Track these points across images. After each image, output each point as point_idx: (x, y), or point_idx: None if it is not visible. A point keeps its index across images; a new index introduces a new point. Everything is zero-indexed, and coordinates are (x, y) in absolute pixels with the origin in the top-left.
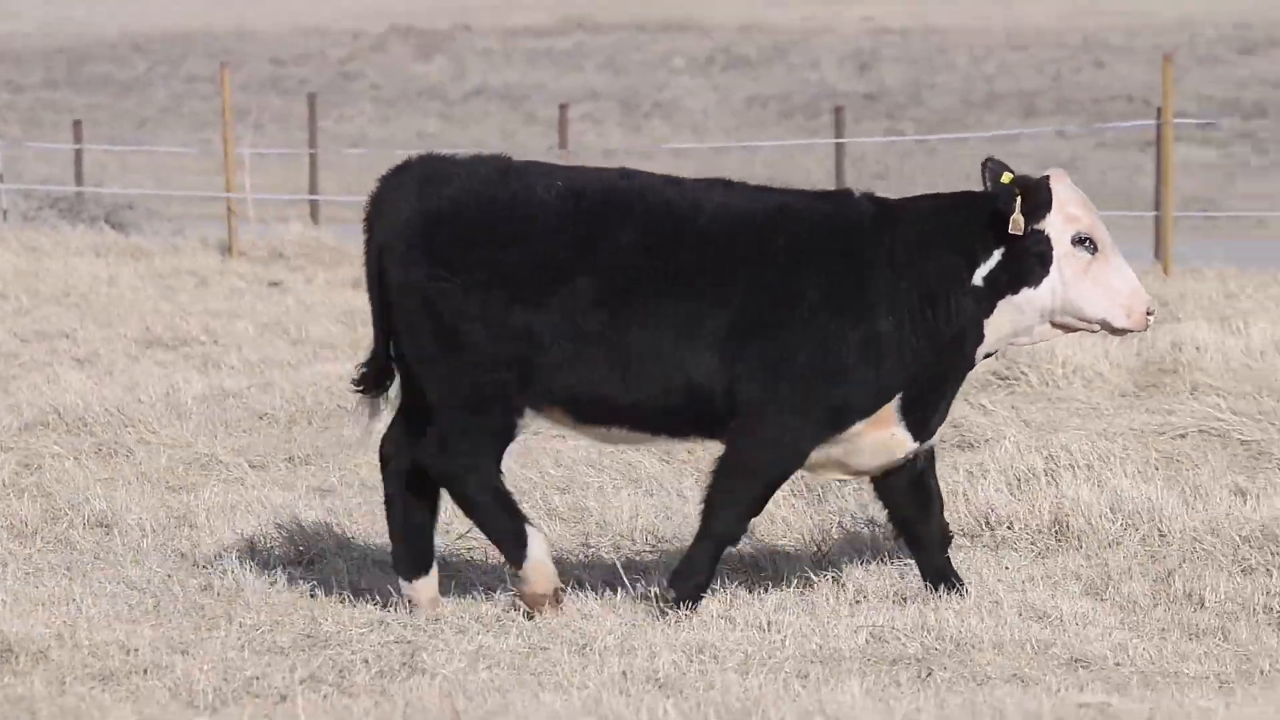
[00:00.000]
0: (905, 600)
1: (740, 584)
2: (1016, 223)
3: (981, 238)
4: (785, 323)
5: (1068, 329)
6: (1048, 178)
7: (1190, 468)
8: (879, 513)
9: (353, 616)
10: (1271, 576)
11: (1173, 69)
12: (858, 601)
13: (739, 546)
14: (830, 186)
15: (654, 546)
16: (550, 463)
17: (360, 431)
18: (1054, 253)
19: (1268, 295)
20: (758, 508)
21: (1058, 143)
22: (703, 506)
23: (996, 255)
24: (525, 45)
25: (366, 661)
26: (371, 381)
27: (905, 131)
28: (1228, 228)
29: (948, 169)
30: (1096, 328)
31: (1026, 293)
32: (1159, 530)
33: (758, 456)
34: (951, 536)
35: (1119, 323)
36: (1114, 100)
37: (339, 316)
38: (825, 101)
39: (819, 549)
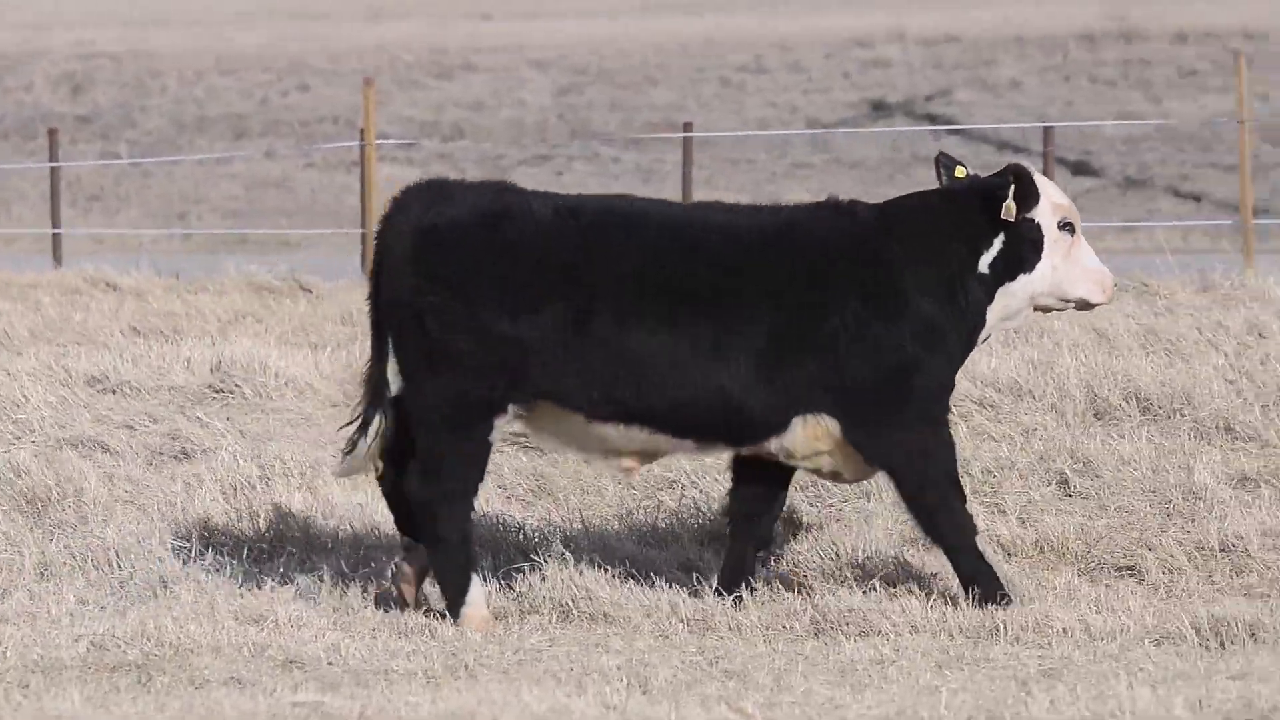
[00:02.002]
0: (126, 609)
1: None
2: (1009, 209)
3: (982, 227)
4: (839, 338)
5: (1046, 310)
6: (1026, 168)
7: None
8: (722, 495)
9: None
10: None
11: (374, 92)
12: (79, 611)
13: None
14: (46, 209)
15: None
16: None
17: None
18: (1045, 239)
19: None
20: (961, 496)
21: (268, 164)
22: (929, 537)
23: (997, 243)
24: None
25: None
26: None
27: (119, 154)
28: None
29: (163, 190)
30: (1071, 306)
31: (1022, 279)
32: (374, 533)
33: (923, 472)
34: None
35: (1095, 299)
36: (320, 122)
37: None
38: (39, 124)
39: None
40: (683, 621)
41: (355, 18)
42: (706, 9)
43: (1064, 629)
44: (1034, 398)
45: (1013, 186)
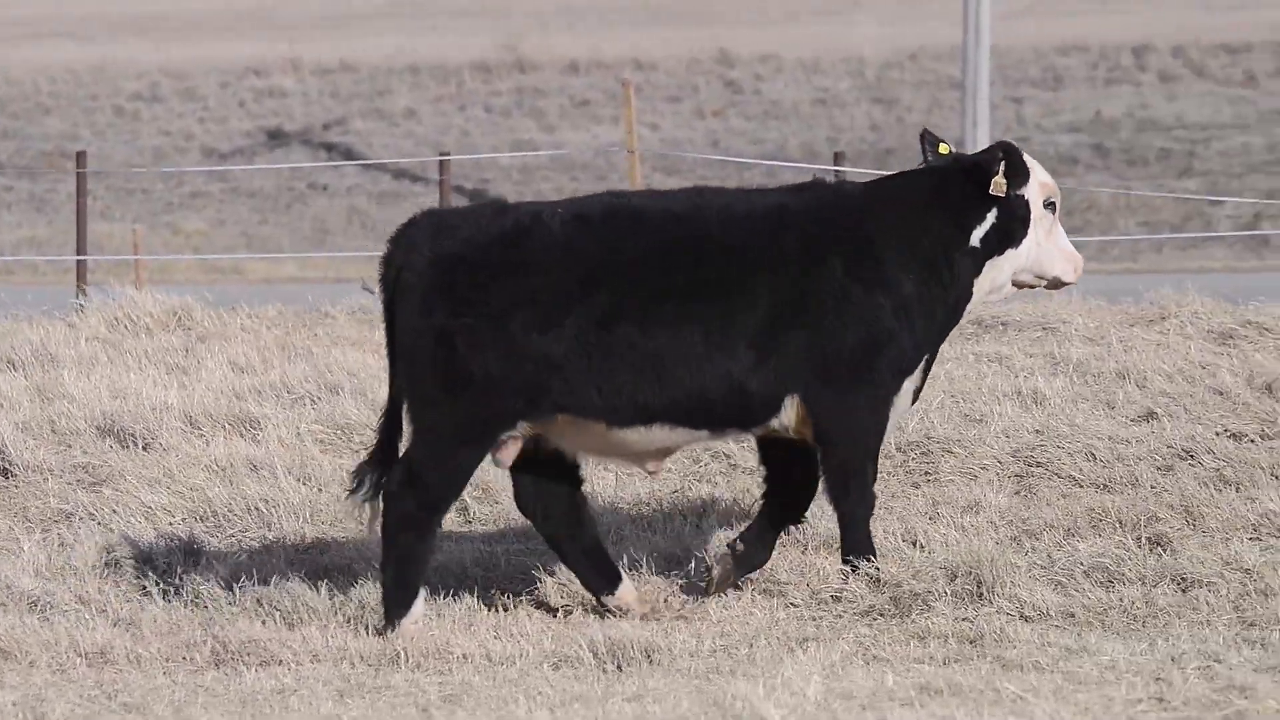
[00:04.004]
0: None
1: None
2: (998, 184)
3: (974, 203)
4: (823, 311)
5: (1023, 286)
6: (1015, 145)
7: None
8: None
9: None
10: None
11: None
12: None
13: None
14: None
15: None
16: None
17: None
18: (1031, 215)
19: None
20: (874, 476)
21: None
22: (832, 502)
23: (990, 218)
24: None
25: None
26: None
27: None
28: None
29: None
30: (1045, 284)
31: (1009, 253)
32: None
33: (854, 436)
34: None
35: (1068, 278)
36: None
37: None
38: None
39: None
40: (81, 655)
41: None
42: (98, 37)
43: (464, 654)
44: None
45: (1003, 162)
